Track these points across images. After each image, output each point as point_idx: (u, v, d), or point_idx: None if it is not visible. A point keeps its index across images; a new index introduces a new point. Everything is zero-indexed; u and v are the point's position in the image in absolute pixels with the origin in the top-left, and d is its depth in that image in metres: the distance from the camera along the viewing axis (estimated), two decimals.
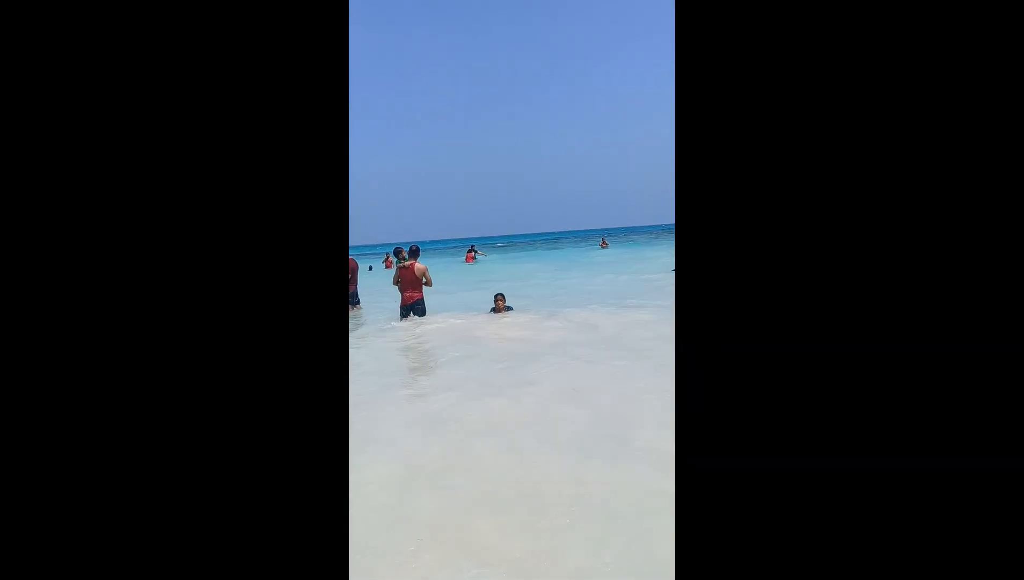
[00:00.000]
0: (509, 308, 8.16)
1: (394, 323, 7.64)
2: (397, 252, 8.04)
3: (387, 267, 22.06)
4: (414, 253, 7.97)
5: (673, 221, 1.19)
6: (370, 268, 20.50)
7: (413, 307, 7.80)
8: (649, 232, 58.02)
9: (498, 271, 18.30)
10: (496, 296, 8.29)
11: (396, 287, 7.94)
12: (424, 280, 7.81)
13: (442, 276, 16.80)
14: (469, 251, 25.77)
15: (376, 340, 6.74)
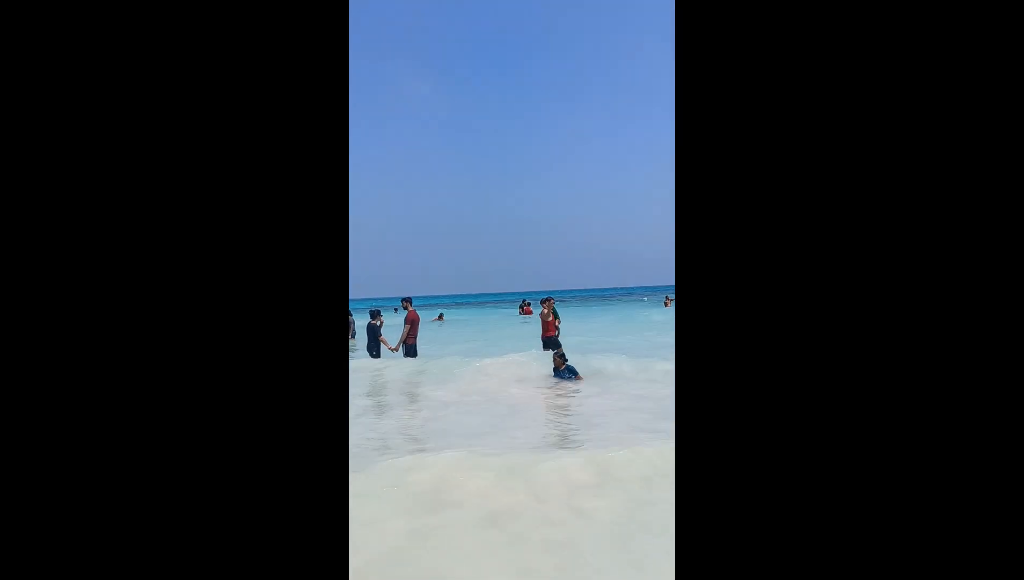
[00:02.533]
0: (571, 369, 7.47)
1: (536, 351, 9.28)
2: (541, 301, 10.30)
3: (438, 319, 22.78)
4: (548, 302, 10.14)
5: None
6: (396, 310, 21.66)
7: (548, 341, 9.64)
8: None
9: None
10: (555, 356, 7.63)
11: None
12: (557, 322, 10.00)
13: (506, 331, 16.52)
14: (527, 305, 25.65)
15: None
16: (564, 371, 7.46)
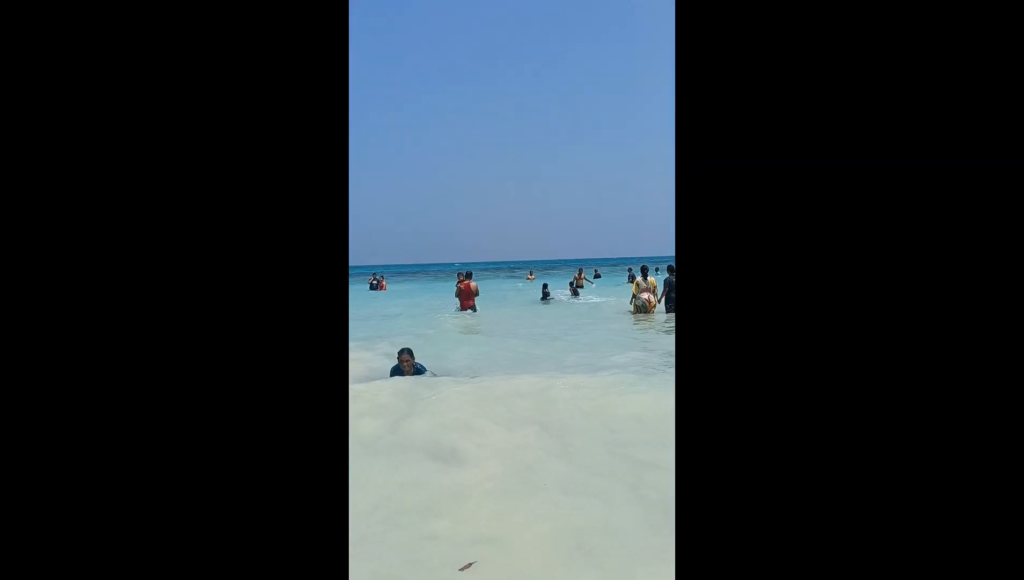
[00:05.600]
0: (421, 368, 5.55)
1: (454, 311, 12.29)
2: (459, 274, 12.94)
3: (379, 288, 23.00)
4: (468, 275, 12.41)
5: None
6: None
7: (470, 310, 11.96)
8: (566, 265, 58.52)
9: (405, 302, 16.80)
10: (401, 353, 5.51)
11: (456, 298, 12.33)
12: (476, 292, 12.21)
13: (362, 311, 15.23)
14: (379, 279, 24.81)
15: (454, 319, 11.50)
16: (415, 371, 5.49)
